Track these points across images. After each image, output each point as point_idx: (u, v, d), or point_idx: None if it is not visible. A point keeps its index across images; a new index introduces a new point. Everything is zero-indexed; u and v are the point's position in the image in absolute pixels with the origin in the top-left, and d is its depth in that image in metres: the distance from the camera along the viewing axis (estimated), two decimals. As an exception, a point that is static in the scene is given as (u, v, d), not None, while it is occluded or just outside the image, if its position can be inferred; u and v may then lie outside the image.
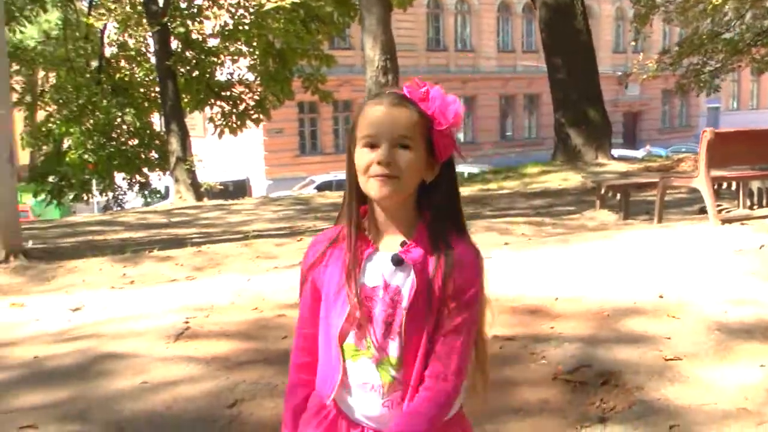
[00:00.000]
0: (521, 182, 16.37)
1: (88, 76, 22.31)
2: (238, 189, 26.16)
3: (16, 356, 4.52)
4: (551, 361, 3.96)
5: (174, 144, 19.16)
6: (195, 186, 19.16)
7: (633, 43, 35.20)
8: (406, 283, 1.75)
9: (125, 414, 3.63)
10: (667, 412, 3.44)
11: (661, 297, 4.85)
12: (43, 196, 22.12)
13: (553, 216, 10.30)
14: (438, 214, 1.77)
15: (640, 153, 32.19)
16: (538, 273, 5.72)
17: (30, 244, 8.93)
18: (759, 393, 3.58)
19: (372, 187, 1.71)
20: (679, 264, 5.78)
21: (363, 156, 1.72)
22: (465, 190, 16.31)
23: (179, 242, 9.43)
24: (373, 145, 1.71)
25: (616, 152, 26.61)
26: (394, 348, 1.76)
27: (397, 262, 1.75)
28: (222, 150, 28.33)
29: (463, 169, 26.55)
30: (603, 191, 10.22)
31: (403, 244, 1.76)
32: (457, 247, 1.76)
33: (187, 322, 4.81)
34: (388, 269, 1.76)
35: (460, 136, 41.70)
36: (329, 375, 1.82)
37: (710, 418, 3.38)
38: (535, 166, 18.20)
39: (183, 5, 20.58)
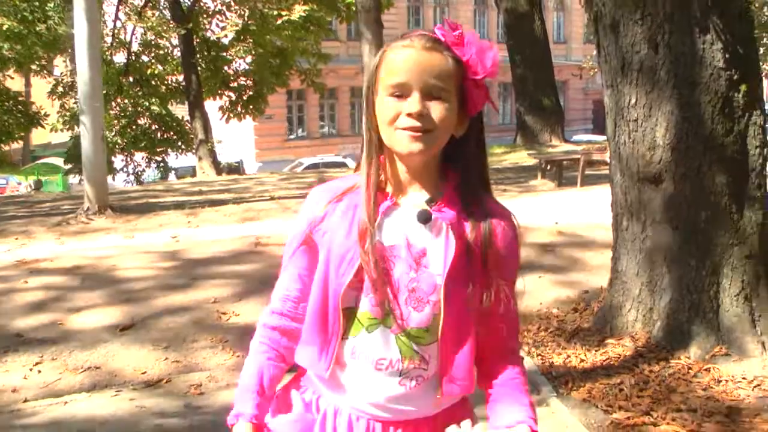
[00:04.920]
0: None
1: (115, 69, 24.75)
2: (233, 171, 27.56)
3: (157, 250, 7.87)
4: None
5: (198, 128, 22.19)
6: (215, 164, 22.24)
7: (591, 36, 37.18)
8: (435, 244, 1.49)
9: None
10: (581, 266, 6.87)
11: (556, 223, 8.49)
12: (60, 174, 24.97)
13: (507, 184, 13.19)
14: (469, 172, 1.53)
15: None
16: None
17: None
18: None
19: (400, 140, 1.45)
20: (570, 207, 9.52)
21: (389, 106, 1.45)
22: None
23: (221, 202, 11.73)
24: (401, 95, 1.44)
25: (584, 137, 29.15)
26: (419, 318, 1.50)
27: (425, 219, 1.49)
28: (218, 135, 30.20)
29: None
30: (543, 165, 13.53)
31: (429, 201, 1.52)
32: (492, 208, 1.55)
33: (257, 240, 8.12)
34: (411, 227, 1.50)
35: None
36: (323, 349, 1.54)
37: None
38: (499, 147, 21.17)
39: (200, 8, 23.35)
